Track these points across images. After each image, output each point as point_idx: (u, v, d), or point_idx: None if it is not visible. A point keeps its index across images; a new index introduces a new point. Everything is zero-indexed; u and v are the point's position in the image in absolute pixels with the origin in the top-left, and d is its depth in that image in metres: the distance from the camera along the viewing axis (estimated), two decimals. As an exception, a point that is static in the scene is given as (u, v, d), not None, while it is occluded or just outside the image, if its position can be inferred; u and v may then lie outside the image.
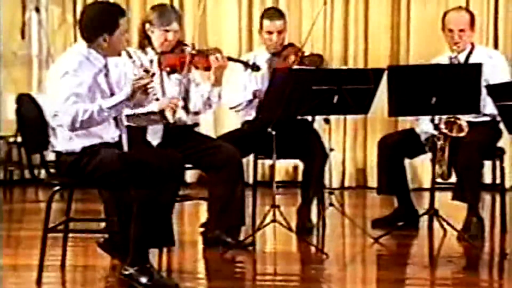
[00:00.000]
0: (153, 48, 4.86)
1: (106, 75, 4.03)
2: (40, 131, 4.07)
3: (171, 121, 4.68)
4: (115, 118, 4.03)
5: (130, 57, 4.11)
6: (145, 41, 4.87)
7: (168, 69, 4.82)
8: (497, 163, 5.27)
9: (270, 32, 5.27)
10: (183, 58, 4.79)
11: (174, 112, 4.66)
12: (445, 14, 5.31)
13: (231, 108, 5.32)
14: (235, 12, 7.18)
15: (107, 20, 3.94)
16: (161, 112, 4.71)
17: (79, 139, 3.96)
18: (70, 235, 4.39)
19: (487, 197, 5.82)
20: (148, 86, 3.88)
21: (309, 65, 5.10)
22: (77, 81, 3.87)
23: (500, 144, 5.30)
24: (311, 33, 5.34)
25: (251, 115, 5.25)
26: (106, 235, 4.33)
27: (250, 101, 5.23)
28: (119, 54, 4.06)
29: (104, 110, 3.85)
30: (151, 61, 4.84)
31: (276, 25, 5.25)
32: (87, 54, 3.97)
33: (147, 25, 4.85)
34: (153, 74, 3.99)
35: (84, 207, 5.71)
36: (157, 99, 4.08)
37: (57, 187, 4.08)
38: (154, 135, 4.81)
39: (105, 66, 4.02)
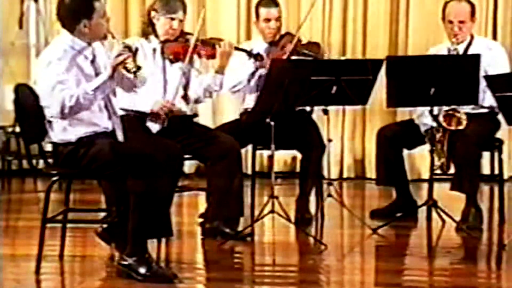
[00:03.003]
0: (156, 36, 4.86)
1: (93, 62, 4.04)
2: (38, 121, 4.07)
3: (163, 125, 4.70)
4: (106, 107, 4.03)
5: (114, 37, 4.12)
6: (148, 29, 4.87)
7: (171, 57, 4.83)
8: (496, 154, 5.27)
9: (268, 20, 5.27)
10: (186, 46, 4.79)
11: (166, 116, 4.68)
12: (445, 4, 5.29)
13: (230, 88, 5.22)
14: (234, 3, 7.17)
15: (83, 6, 3.98)
16: (154, 114, 4.73)
17: (74, 128, 3.97)
18: (69, 225, 4.39)
19: (485, 188, 5.83)
20: (127, 61, 3.88)
21: (306, 54, 5.10)
22: (61, 68, 3.90)
23: (498, 135, 5.30)
24: (306, 19, 5.34)
25: (250, 103, 5.21)
26: (105, 225, 4.32)
27: (250, 79, 5.19)
28: (104, 38, 4.08)
29: (89, 92, 3.87)
30: (154, 50, 4.85)
31: (273, 12, 5.26)
32: (71, 43, 3.99)
33: (153, 13, 4.85)
34: (136, 49, 3.98)
35: (82, 197, 5.71)
36: (134, 75, 3.98)
37: (56, 178, 4.09)
38: (152, 125, 4.81)
39: (91, 52, 4.04)
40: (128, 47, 4.04)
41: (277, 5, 5.32)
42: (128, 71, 3.91)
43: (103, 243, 4.38)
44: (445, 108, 4.98)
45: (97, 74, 4.01)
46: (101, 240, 4.37)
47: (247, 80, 5.20)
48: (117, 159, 3.90)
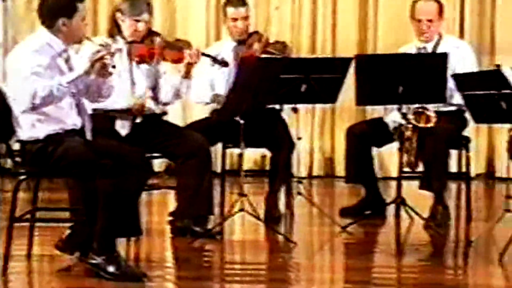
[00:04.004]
0: (123, 37, 4.84)
1: (67, 61, 4.03)
2: (5, 120, 4.03)
3: (137, 120, 4.70)
4: (77, 105, 4.02)
5: (89, 39, 4.10)
6: (115, 30, 4.85)
7: (137, 59, 4.81)
8: (463, 152, 5.32)
9: (235, 19, 5.28)
10: (152, 49, 4.78)
11: (142, 111, 4.67)
12: (413, 3, 5.33)
13: (195, 101, 5.35)
14: (203, 2, 7.16)
15: (66, 5, 3.97)
16: (129, 111, 4.72)
17: (42, 125, 3.95)
18: (37, 224, 4.36)
19: (453, 186, 5.87)
20: (105, 57, 3.88)
21: (274, 53, 5.11)
22: (36, 61, 3.89)
23: (465, 133, 5.35)
24: (270, 20, 5.36)
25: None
26: (63, 236, 4.26)
27: (213, 99, 5.25)
28: (80, 41, 4.06)
29: (63, 85, 3.86)
30: (121, 50, 4.82)
31: (240, 12, 5.27)
32: (48, 40, 3.98)
33: (118, 14, 4.83)
34: (113, 51, 3.97)
35: (50, 196, 5.66)
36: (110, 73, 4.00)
37: (23, 177, 4.05)
38: (122, 126, 4.78)
39: (66, 51, 4.03)
40: (107, 45, 4.01)
41: (244, 4, 5.32)
42: (106, 66, 3.89)
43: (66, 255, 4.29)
44: (415, 105, 5.01)
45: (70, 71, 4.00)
46: (62, 252, 4.25)
47: (210, 100, 5.24)
48: (87, 158, 3.88)
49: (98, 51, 3.91)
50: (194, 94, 5.21)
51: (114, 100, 4.71)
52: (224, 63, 4.95)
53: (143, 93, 4.79)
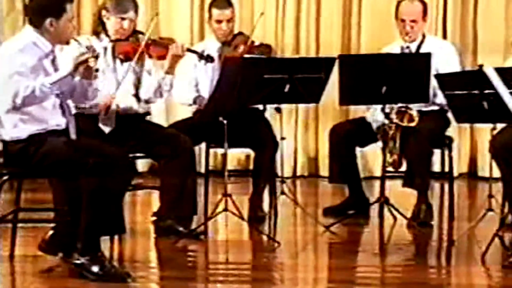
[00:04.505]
0: (107, 35, 4.83)
1: (53, 61, 4.01)
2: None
3: (122, 105, 4.70)
4: (61, 106, 4.00)
5: (76, 40, 4.09)
6: (99, 28, 4.84)
7: (121, 56, 4.80)
8: (446, 151, 5.35)
9: (219, 21, 5.27)
10: (137, 46, 4.77)
11: (108, 108, 4.65)
12: (398, 3, 5.35)
13: (179, 102, 5.35)
14: (187, 3, 7.15)
15: (54, 4, 3.96)
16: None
17: (25, 125, 3.93)
18: (20, 225, 4.34)
19: (436, 185, 5.90)
20: (90, 60, 3.87)
21: (258, 55, 5.11)
22: (21, 60, 3.87)
23: (448, 133, 5.38)
24: (257, 22, 5.36)
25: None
26: (46, 237, 4.25)
27: (195, 101, 5.25)
28: (67, 42, 4.05)
29: (46, 85, 3.84)
30: (105, 48, 4.81)
31: (225, 14, 5.26)
32: (35, 39, 3.97)
33: (103, 12, 4.82)
34: (98, 55, 3.96)
35: (34, 196, 5.64)
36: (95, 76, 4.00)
37: (6, 177, 4.03)
38: (105, 123, 4.77)
39: (52, 51, 4.01)
40: (91, 48, 3.99)
41: (230, 5, 5.31)
42: (90, 69, 3.88)
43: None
44: (398, 105, 5.03)
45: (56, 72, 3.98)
46: (45, 253, 4.23)
47: (193, 101, 5.23)
48: (70, 157, 3.87)
49: (83, 53, 3.91)
50: (177, 95, 5.22)
51: (98, 98, 4.70)
52: (210, 58, 4.95)
53: (114, 92, 4.75)
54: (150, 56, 4.84)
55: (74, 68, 3.88)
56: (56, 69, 4.02)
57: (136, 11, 4.85)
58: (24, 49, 3.91)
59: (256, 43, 5.25)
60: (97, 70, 3.94)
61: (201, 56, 4.95)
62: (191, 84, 5.29)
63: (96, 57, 3.94)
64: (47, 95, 3.88)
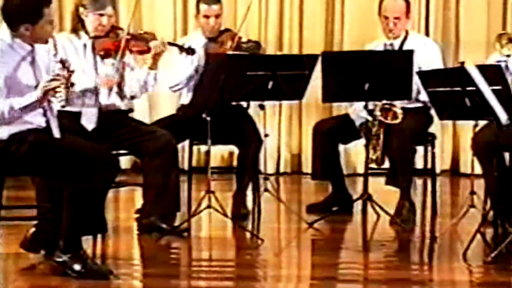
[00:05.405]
0: (86, 32, 4.80)
1: (32, 63, 3.94)
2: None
3: (105, 101, 4.63)
4: (42, 106, 3.97)
5: (55, 47, 4.05)
6: (78, 25, 4.81)
7: (102, 53, 4.78)
8: (429, 148, 5.37)
9: (207, 16, 5.26)
10: (117, 42, 4.75)
11: (110, 90, 4.63)
12: (381, 0, 5.36)
13: (170, 87, 5.27)
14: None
15: (31, 11, 3.86)
16: (96, 90, 4.68)
17: (6, 126, 3.88)
18: (2, 223, 4.32)
19: (418, 182, 5.92)
20: (57, 90, 3.78)
21: (246, 51, 5.11)
22: None
23: (431, 130, 5.40)
24: (246, 18, 5.34)
25: (187, 99, 5.23)
26: (28, 235, 4.22)
27: (190, 78, 5.19)
28: (46, 42, 4.00)
29: (15, 110, 3.79)
30: (85, 46, 4.79)
31: (213, 9, 5.25)
32: (11, 42, 3.90)
33: (81, 9, 4.79)
34: (72, 71, 3.82)
35: (16, 194, 5.61)
36: (63, 106, 3.93)
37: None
38: (88, 120, 4.76)
39: (30, 53, 3.93)
40: (64, 64, 3.83)
41: (218, 1, 5.29)
42: (56, 98, 3.80)
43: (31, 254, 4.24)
44: (382, 102, 5.04)
45: (36, 77, 3.90)
46: (27, 251, 4.21)
47: (186, 80, 5.19)
48: (51, 156, 3.85)
49: (53, 80, 3.78)
50: (169, 82, 5.17)
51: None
52: (191, 51, 4.93)
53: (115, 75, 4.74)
54: (131, 52, 4.83)
55: (43, 95, 3.78)
56: (35, 70, 3.94)
57: (114, 6, 4.83)
58: (1, 55, 3.81)
59: (243, 40, 5.24)
60: (72, 85, 3.82)
61: (181, 48, 4.94)
62: (179, 70, 5.23)
63: (67, 86, 3.76)
64: (16, 119, 3.81)
